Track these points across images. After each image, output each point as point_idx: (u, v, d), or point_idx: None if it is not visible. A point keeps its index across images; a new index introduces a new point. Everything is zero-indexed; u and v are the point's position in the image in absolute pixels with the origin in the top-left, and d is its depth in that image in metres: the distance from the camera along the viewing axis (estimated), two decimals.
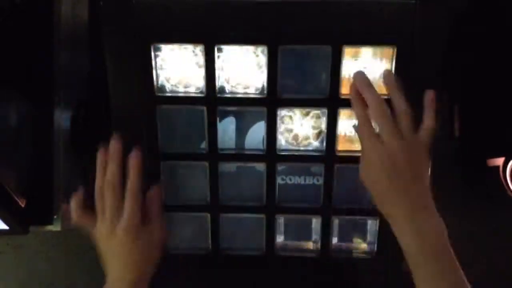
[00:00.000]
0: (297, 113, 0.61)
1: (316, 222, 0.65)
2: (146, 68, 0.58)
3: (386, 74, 0.55)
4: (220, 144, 0.61)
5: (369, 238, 0.66)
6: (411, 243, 0.51)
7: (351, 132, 0.61)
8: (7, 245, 0.85)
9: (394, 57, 0.57)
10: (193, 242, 0.67)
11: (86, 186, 0.64)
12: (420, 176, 0.52)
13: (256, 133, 0.62)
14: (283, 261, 0.66)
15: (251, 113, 0.61)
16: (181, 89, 0.60)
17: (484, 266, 0.81)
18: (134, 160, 0.56)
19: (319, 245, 0.65)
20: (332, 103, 0.59)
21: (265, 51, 0.57)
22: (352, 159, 0.61)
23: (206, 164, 0.62)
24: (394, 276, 0.65)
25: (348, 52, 0.57)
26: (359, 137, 0.56)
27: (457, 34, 0.60)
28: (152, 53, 0.58)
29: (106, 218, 0.56)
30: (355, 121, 0.58)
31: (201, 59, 0.58)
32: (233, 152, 0.63)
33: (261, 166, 0.62)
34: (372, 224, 0.65)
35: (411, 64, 0.57)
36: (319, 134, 0.61)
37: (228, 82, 0.59)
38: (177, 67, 0.59)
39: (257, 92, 0.59)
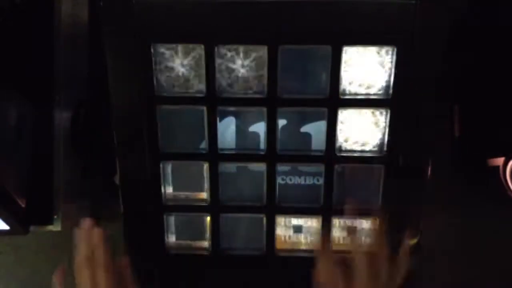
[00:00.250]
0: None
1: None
2: (146, 68, 0.58)
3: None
4: (220, 144, 0.61)
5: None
6: None
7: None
8: (7, 245, 0.85)
9: (394, 57, 0.57)
10: (193, 242, 0.67)
11: (85, 187, 0.64)
12: None
13: (256, 133, 0.62)
14: (283, 261, 0.66)
15: (251, 113, 0.61)
16: (181, 89, 0.60)
17: (484, 266, 0.81)
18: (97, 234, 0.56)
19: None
20: (332, 103, 0.59)
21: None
22: (352, 159, 0.62)
23: (206, 164, 0.62)
24: None
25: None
26: None
27: (457, 34, 0.60)
28: (152, 53, 0.58)
29: None
30: None
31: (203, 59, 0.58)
32: (233, 152, 0.63)
33: (261, 166, 0.62)
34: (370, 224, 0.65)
35: (411, 64, 0.57)
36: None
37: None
38: (179, 67, 0.59)
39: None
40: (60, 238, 0.83)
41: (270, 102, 0.59)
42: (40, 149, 0.67)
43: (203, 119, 0.60)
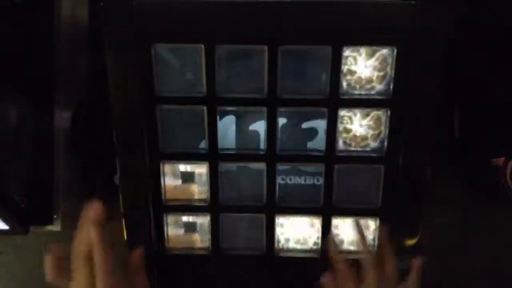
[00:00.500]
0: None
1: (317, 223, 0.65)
2: (146, 68, 0.58)
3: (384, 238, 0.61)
4: (220, 144, 0.61)
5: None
6: None
7: None
8: (7, 245, 0.85)
9: (394, 57, 0.57)
10: (193, 242, 0.67)
11: (85, 187, 0.64)
12: None
13: (256, 133, 0.62)
14: (283, 261, 0.66)
15: (251, 113, 0.61)
16: (181, 89, 0.60)
17: (484, 266, 0.81)
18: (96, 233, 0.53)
19: (319, 245, 0.65)
20: (332, 103, 0.59)
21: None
22: (352, 159, 0.62)
23: (206, 164, 0.62)
24: None
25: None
26: None
27: (457, 34, 0.60)
28: (152, 53, 0.58)
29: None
30: None
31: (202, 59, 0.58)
32: (233, 152, 0.63)
33: (261, 166, 0.62)
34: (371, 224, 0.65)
35: (411, 64, 0.57)
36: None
37: None
38: (179, 67, 0.59)
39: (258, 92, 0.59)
40: (60, 238, 0.84)
41: (270, 102, 0.59)
42: (40, 149, 0.67)
43: (203, 119, 0.60)
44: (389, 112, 0.59)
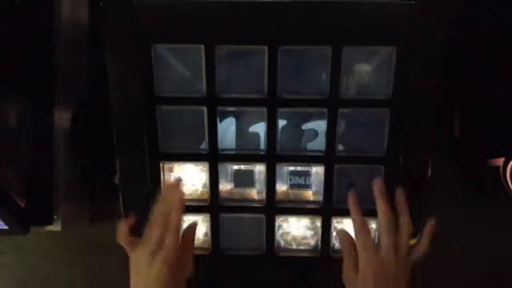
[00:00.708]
0: None
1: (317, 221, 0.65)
2: (146, 68, 0.58)
3: (399, 193, 0.60)
4: (220, 144, 0.61)
5: None
6: None
7: None
8: (7, 245, 0.85)
9: (394, 57, 0.57)
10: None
11: (85, 187, 0.64)
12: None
13: (256, 133, 0.62)
14: (283, 261, 0.66)
15: (251, 113, 0.61)
16: (181, 89, 0.60)
17: (484, 265, 0.81)
18: (178, 196, 0.58)
19: (319, 245, 0.65)
20: (332, 103, 0.59)
21: None
22: (352, 159, 0.62)
23: (206, 164, 0.62)
24: None
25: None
26: (343, 245, 0.60)
27: (457, 34, 0.60)
28: (152, 53, 0.58)
29: (148, 247, 0.56)
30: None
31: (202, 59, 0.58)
32: (233, 152, 0.63)
33: (261, 167, 0.62)
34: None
35: (411, 64, 0.57)
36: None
37: None
38: (179, 67, 0.59)
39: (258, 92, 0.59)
40: (60, 238, 0.84)
41: (270, 102, 0.59)
42: (40, 149, 0.67)
43: (203, 119, 0.60)
44: (389, 112, 0.59)
